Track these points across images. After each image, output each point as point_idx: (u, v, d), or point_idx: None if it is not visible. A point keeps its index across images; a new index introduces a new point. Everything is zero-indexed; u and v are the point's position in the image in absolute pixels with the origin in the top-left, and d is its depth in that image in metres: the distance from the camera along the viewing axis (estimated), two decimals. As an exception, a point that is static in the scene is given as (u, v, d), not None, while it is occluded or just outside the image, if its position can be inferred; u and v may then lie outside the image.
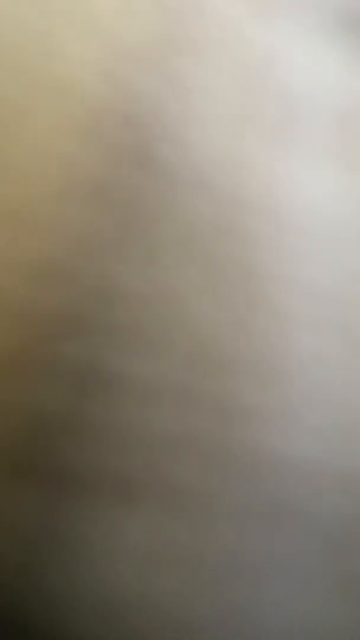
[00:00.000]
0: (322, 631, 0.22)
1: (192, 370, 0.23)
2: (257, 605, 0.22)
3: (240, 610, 0.22)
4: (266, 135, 0.27)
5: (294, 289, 0.25)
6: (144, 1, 0.27)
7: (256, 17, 0.29)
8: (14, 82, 0.25)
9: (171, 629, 0.21)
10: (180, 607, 0.22)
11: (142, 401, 0.23)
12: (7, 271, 0.23)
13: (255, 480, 0.23)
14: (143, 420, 0.22)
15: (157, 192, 0.25)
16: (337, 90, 0.29)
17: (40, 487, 0.21)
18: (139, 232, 0.24)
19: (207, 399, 0.23)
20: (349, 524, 0.23)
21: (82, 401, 0.22)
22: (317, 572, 0.23)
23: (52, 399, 0.22)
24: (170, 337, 0.23)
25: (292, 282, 0.25)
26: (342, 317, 0.25)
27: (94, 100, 0.25)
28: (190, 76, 0.27)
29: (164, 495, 0.22)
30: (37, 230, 0.23)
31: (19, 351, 0.22)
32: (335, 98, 0.29)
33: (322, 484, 0.23)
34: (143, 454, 0.22)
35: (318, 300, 0.25)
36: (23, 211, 0.23)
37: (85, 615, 0.21)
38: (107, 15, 0.26)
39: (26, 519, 0.21)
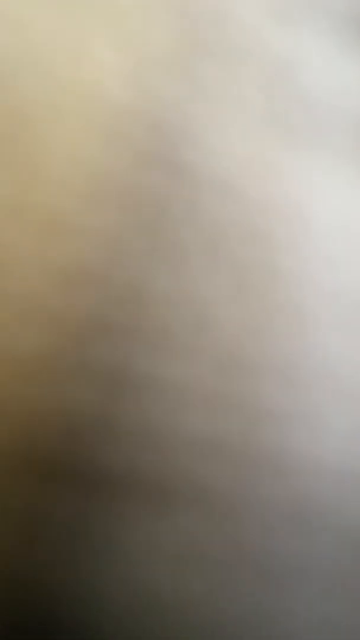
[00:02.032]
0: (352, 636, 0.22)
1: (221, 373, 0.23)
2: (287, 608, 0.22)
3: (270, 613, 0.22)
4: (289, 140, 0.27)
5: (319, 293, 0.25)
6: (168, 9, 0.27)
7: (275, 23, 0.30)
8: (43, 88, 0.25)
9: (201, 632, 0.22)
10: (211, 610, 0.22)
11: (172, 404, 0.23)
12: (39, 275, 0.23)
13: (285, 483, 0.23)
14: (173, 423, 0.23)
15: (184, 197, 0.25)
16: (358, 93, 0.30)
17: (72, 489, 0.22)
18: (167, 236, 0.24)
19: (236, 402, 0.23)
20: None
21: (113, 404, 0.22)
22: (347, 576, 0.23)
23: (84, 401, 0.22)
24: (198, 341, 0.24)
25: (317, 285, 0.25)
26: (367, 320, 0.25)
27: (121, 106, 0.25)
28: (214, 82, 0.27)
29: (195, 498, 0.22)
30: (66, 235, 0.23)
31: (51, 354, 0.22)
32: (354, 101, 0.29)
33: (352, 486, 0.23)
34: (174, 457, 0.22)
35: (343, 304, 0.25)
36: (53, 216, 0.24)
37: (118, 618, 0.21)
38: (133, 22, 0.26)
39: (59, 521, 0.21)
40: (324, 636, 0.22)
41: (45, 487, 0.21)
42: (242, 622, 0.22)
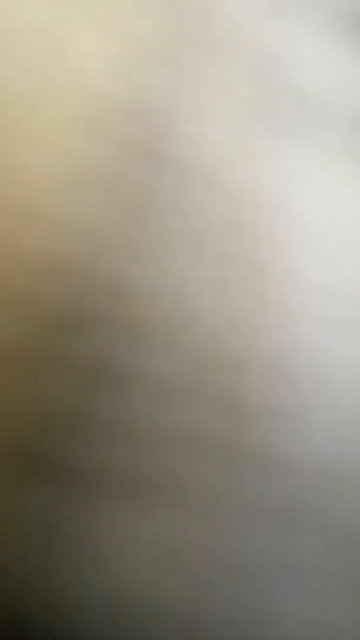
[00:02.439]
0: (338, 636, 0.22)
1: (203, 367, 0.23)
2: (270, 609, 0.21)
3: (253, 612, 0.21)
4: (277, 133, 0.27)
5: (306, 287, 0.25)
6: (156, 0, 0.27)
7: (266, 17, 0.29)
8: (25, 77, 0.24)
9: (181, 631, 0.21)
10: (191, 608, 0.21)
11: (151, 398, 0.22)
12: (16, 265, 0.22)
13: (268, 479, 0.22)
14: (152, 417, 0.22)
15: (168, 188, 0.24)
16: (346, 88, 0.29)
17: (46, 484, 0.21)
18: (149, 227, 0.24)
19: (218, 397, 0.23)
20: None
21: (89, 397, 0.22)
22: (333, 576, 0.22)
23: (59, 394, 0.22)
24: (180, 334, 0.23)
25: (304, 279, 0.25)
26: (355, 314, 0.25)
27: (104, 95, 0.25)
28: (201, 73, 0.27)
29: (174, 494, 0.22)
30: (45, 225, 0.23)
31: (27, 346, 0.22)
32: (344, 96, 0.29)
33: (338, 483, 0.23)
34: (152, 452, 0.22)
35: (330, 298, 0.25)
36: (32, 205, 0.23)
37: (92, 617, 0.21)
38: (119, 12, 0.26)
39: (32, 516, 0.21)
40: (308, 637, 0.22)
41: (18, 483, 0.21)
42: (224, 624, 0.21)
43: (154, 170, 0.24)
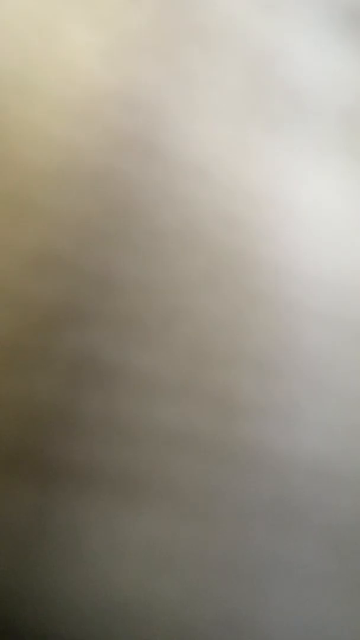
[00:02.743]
0: (332, 636, 0.21)
1: (194, 363, 0.22)
2: (263, 608, 0.21)
3: (245, 613, 0.21)
4: (271, 128, 0.27)
5: (299, 282, 0.24)
6: (146, -11, 0.26)
7: (260, 11, 0.29)
8: (15, 68, 0.24)
9: (173, 632, 0.21)
10: (182, 609, 0.21)
11: (142, 394, 0.22)
12: (3, 258, 0.22)
13: (260, 478, 0.22)
14: (142, 414, 0.22)
15: (159, 181, 0.24)
16: (343, 85, 0.29)
17: (34, 482, 0.21)
18: (140, 221, 0.23)
19: (209, 394, 0.22)
20: (359, 525, 0.22)
21: (79, 393, 0.21)
22: (326, 575, 0.22)
23: (48, 390, 0.21)
24: (170, 330, 0.23)
25: (297, 275, 0.24)
26: (349, 310, 0.24)
27: (95, 87, 0.24)
28: (194, 67, 0.26)
29: (165, 493, 0.21)
30: (34, 217, 0.23)
31: (14, 341, 0.21)
32: (340, 93, 0.29)
33: (331, 483, 0.22)
34: (142, 449, 0.21)
35: (324, 294, 0.24)
36: (21, 197, 0.23)
37: (82, 618, 0.20)
38: (112, 4, 0.26)
39: (19, 515, 0.20)
40: (302, 637, 0.21)
41: (3, 480, 0.20)
42: (216, 624, 0.21)
43: (146, 163, 0.24)
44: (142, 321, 0.22)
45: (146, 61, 0.25)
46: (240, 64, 0.27)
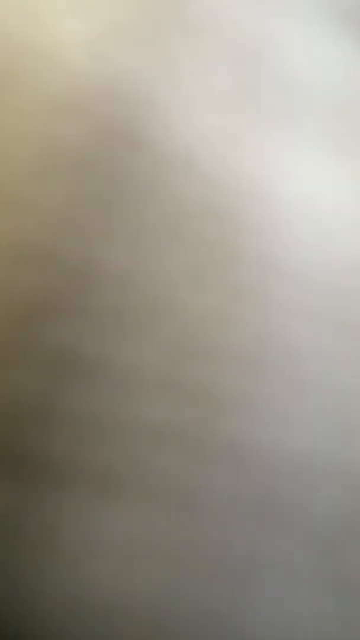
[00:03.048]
0: (313, 632, 0.21)
1: (177, 357, 0.22)
2: (243, 605, 0.21)
3: (225, 610, 0.21)
4: (260, 121, 0.26)
5: (286, 277, 0.24)
6: (134, -22, 0.26)
7: (252, 3, 0.29)
8: (-5, 56, 0.24)
9: (150, 629, 0.20)
10: (160, 606, 0.20)
11: (123, 388, 0.21)
12: (-17, 250, 0.22)
13: (242, 474, 0.21)
14: (123, 408, 0.21)
15: (144, 173, 0.24)
16: (335, 78, 0.28)
17: (12, 476, 0.20)
18: (124, 213, 0.23)
19: (192, 388, 0.22)
20: (343, 520, 0.22)
21: (58, 388, 0.21)
22: (309, 570, 0.21)
23: (28, 384, 0.21)
24: (154, 323, 0.22)
25: (283, 269, 0.24)
26: (335, 305, 0.24)
27: (80, 78, 0.24)
28: (182, 58, 0.26)
29: (145, 487, 0.21)
30: (16, 210, 0.22)
31: (-7, 333, 0.21)
32: (333, 86, 0.28)
33: (316, 477, 0.22)
34: (122, 443, 0.21)
35: (310, 289, 0.24)
36: (2, 189, 0.22)
37: (59, 614, 0.20)
38: (94, -10, 0.25)
39: (-3, 510, 0.20)
40: (284, 634, 0.21)
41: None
42: (195, 621, 0.21)
43: (131, 155, 0.24)
44: (125, 315, 0.22)
45: (133, 52, 0.25)
46: (230, 56, 0.27)
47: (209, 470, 0.21)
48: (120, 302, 0.22)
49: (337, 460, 0.22)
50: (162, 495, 0.21)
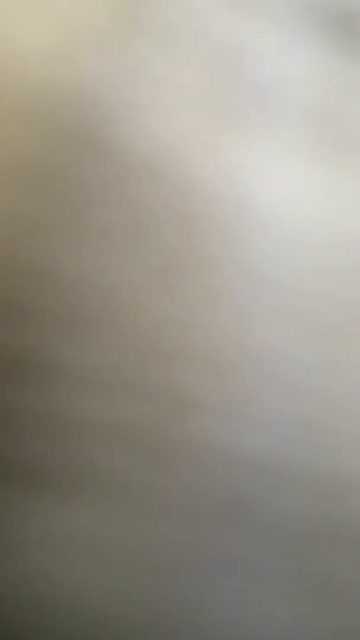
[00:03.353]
0: (271, 631, 0.21)
1: (139, 359, 0.22)
2: (199, 603, 0.20)
3: (181, 607, 0.20)
4: (232, 125, 0.26)
5: (253, 280, 0.24)
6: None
7: (225, 7, 0.28)
8: None
9: (106, 626, 0.20)
10: (113, 605, 0.20)
11: (83, 390, 0.21)
12: None
13: (202, 473, 0.21)
14: (78, 409, 0.21)
15: (110, 178, 0.24)
16: (308, 84, 0.28)
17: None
18: (89, 218, 0.23)
19: (151, 390, 0.22)
20: (305, 520, 0.21)
21: (17, 388, 0.21)
22: (268, 570, 0.21)
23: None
24: (117, 326, 0.22)
25: (250, 273, 0.24)
26: (300, 309, 0.24)
27: (40, 81, 0.24)
28: (150, 62, 0.26)
29: (103, 487, 0.21)
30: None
31: None
32: (306, 92, 0.28)
33: (278, 478, 0.21)
34: (81, 444, 0.21)
35: (277, 292, 0.24)
36: None
37: (12, 614, 0.20)
38: (61, -3, 0.25)
39: None
40: (242, 634, 0.20)
41: None
42: (151, 620, 0.20)
43: (95, 160, 0.24)
44: (87, 318, 0.22)
45: (101, 56, 0.25)
46: (202, 60, 0.27)
47: (169, 470, 0.21)
48: (82, 305, 0.22)
49: (301, 461, 0.22)
50: (119, 495, 0.21)
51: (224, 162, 0.25)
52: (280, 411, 0.22)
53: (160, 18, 0.27)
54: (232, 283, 0.23)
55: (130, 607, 0.20)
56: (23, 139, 0.23)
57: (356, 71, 0.29)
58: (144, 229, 0.23)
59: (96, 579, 0.20)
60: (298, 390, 0.22)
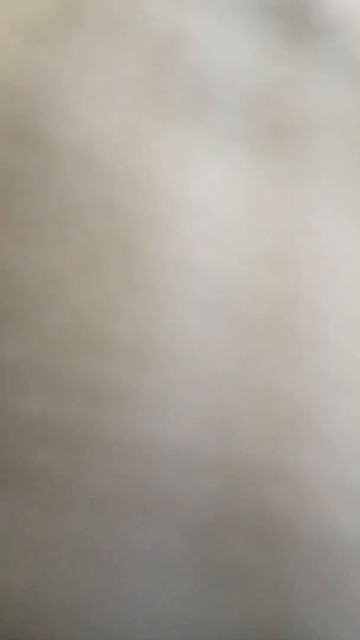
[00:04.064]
0: (183, 621, 0.21)
1: (62, 351, 0.22)
2: (113, 595, 0.21)
3: (94, 599, 0.21)
4: (168, 116, 0.26)
5: (181, 271, 0.24)
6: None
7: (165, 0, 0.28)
8: None
9: (17, 619, 0.20)
10: (30, 596, 0.20)
11: (5, 382, 0.21)
12: None
13: (121, 464, 0.21)
14: (4, 402, 0.21)
15: (38, 168, 0.24)
16: (249, 74, 0.28)
17: None
18: (13, 208, 0.23)
19: (75, 382, 0.22)
20: (218, 509, 0.22)
21: None
22: (181, 559, 0.21)
23: None
24: (40, 317, 0.22)
25: (179, 264, 0.24)
26: (229, 300, 0.24)
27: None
28: (86, 51, 0.26)
29: (22, 481, 0.21)
30: None
31: None
32: (246, 81, 0.28)
33: (194, 468, 0.22)
34: (1, 437, 0.21)
35: (205, 283, 0.24)
36: None
37: None
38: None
39: None
40: (156, 624, 0.21)
41: None
42: (63, 613, 0.20)
43: (25, 150, 0.24)
44: (9, 309, 0.22)
45: (33, 46, 0.25)
46: (140, 51, 0.27)
47: (87, 462, 0.21)
48: (5, 296, 0.22)
49: (215, 451, 0.22)
50: (38, 488, 0.21)
51: (157, 152, 0.25)
52: (199, 399, 0.22)
53: (100, 9, 0.27)
54: (158, 274, 0.23)
55: (45, 599, 0.20)
56: None
57: (298, 60, 0.30)
58: (70, 219, 0.23)
59: (12, 572, 0.20)
60: (218, 378, 0.23)
